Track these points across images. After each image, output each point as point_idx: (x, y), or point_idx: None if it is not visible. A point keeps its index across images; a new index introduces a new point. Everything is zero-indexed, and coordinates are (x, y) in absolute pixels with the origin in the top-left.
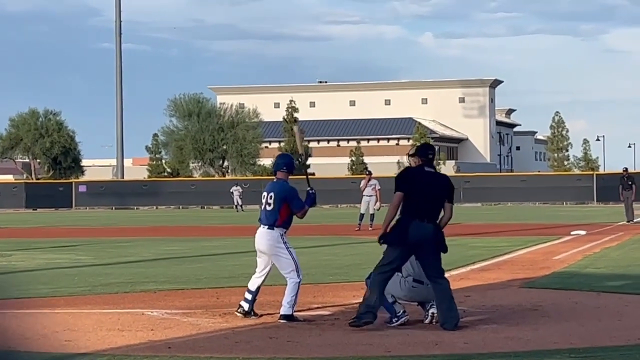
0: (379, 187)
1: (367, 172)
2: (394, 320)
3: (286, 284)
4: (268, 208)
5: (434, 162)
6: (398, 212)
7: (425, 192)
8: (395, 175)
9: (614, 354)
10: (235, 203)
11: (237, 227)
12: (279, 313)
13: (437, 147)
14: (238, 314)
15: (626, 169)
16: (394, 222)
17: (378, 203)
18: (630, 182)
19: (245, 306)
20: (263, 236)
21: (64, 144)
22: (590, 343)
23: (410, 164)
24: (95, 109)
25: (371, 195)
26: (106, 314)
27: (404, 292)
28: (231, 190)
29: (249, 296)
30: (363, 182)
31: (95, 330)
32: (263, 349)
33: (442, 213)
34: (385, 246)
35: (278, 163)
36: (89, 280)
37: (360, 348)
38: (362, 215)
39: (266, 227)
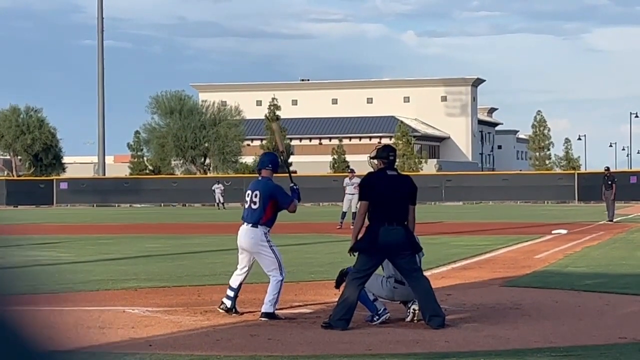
0: None
1: (350, 170)
2: (375, 318)
3: (268, 282)
4: (253, 206)
5: (396, 163)
6: (366, 219)
7: (390, 196)
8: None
9: (594, 352)
10: (217, 201)
11: (218, 225)
12: (260, 311)
13: (419, 146)
14: (220, 311)
15: (608, 168)
16: (363, 229)
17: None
18: (610, 182)
19: (228, 303)
20: (246, 234)
21: (45, 141)
22: (571, 342)
23: (372, 167)
24: (76, 106)
25: (353, 194)
26: (87, 311)
27: (385, 292)
28: (213, 188)
29: (230, 293)
30: (346, 180)
31: (76, 328)
32: (244, 346)
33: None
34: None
35: (263, 161)
36: (70, 277)
37: (342, 346)
38: (344, 214)
39: (250, 224)
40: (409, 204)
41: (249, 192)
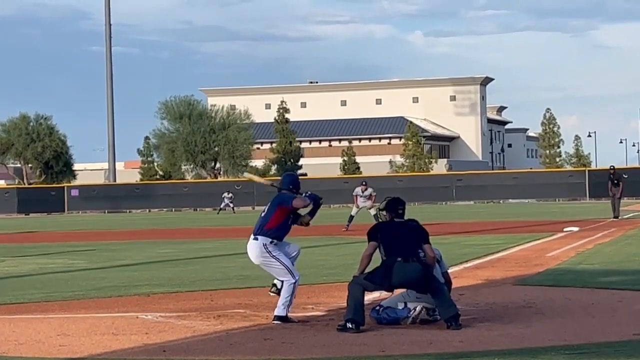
0: (375, 194)
1: (363, 183)
2: (409, 315)
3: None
4: (262, 215)
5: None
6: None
7: (399, 236)
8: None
9: (608, 350)
10: (222, 206)
11: (230, 229)
12: (273, 314)
13: (429, 146)
14: (272, 294)
15: (613, 167)
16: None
17: (373, 210)
18: (617, 180)
19: (279, 284)
20: (250, 248)
21: (56, 149)
22: (584, 339)
23: (381, 218)
24: (86, 113)
25: (365, 203)
26: (100, 318)
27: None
28: (223, 197)
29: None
30: (358, 190)
31: (90, 334)
32: (257, 350)
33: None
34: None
35: (284, 182)
36: (83, 284)
37: (355, 348)
38: (352, 217)
39: (252, 236)
40: (420, 242)
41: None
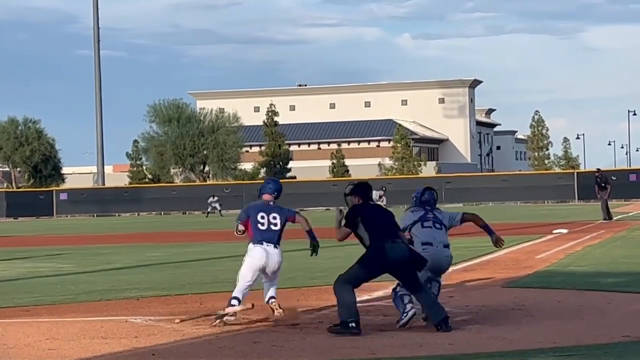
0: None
1: (382, 188)
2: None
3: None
4: (274, 228)
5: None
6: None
7: (378, 217)
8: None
9: (597, 352)
10: (209, 209)
11: (219, 233)
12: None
13: (418, 148)
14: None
15: (599, 169)
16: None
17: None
18: (604, 183)
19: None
20: (275, 255)
21: (44, 152)
22: (574, 341)
23: (347, 203)
24: (74, 117)
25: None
26: (89, 321)
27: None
28: (209, 202)
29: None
30: (377, 195)
31: (79, 338)
32: (247, 353)
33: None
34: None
35: (275, 188)
36: (72, 288)
37: (345, 351)
38: None
39: (272, 245)
40: (397, 227)
41: (263, 214)
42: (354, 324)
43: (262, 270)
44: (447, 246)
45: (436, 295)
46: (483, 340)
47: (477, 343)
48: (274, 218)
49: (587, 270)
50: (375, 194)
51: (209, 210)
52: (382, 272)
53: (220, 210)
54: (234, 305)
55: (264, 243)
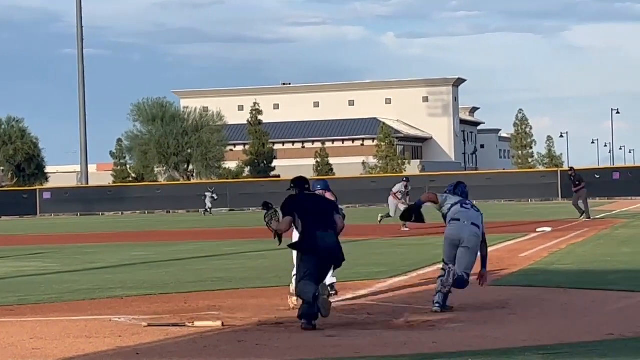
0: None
1: (405, 179)
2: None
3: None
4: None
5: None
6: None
7: (313, 206)
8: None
9: (581, 350)
10: (206, 207)
11: (203, 231)
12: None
13: (402, 147)
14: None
15: (571, 168)
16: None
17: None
18: (577, 182)
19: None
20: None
21: (28, 151)
22: (558, 340)
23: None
24: (58, 115)
25: (401, 200)
26: (73, 321)
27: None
28: (205, 194)
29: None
30: (399, 187)
31: (63, 337)
32: (231, 352)
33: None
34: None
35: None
36: (56, 287)
37: (329, 350)
38: (403, 214)
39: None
40: (332, 214)
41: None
42: (305, 321)
43: None
44: (476, 226)
45: (448, 286)
46: (467, 338)
47: (461, 342)
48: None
49: (571, 269)
50: (399, 186)
51: (207, 207)
52: (317, 260)
53: (210, 209)
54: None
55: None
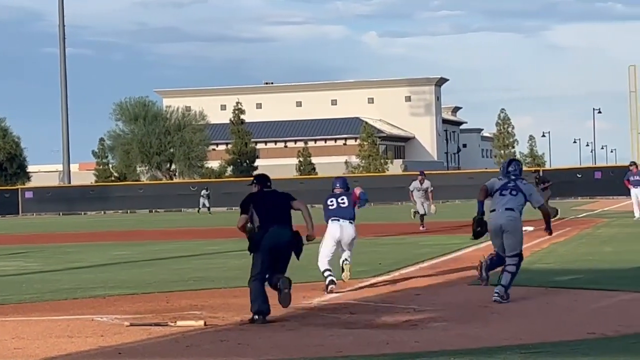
0: (432, 189)
1: (420, 173)
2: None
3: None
4: (343, 205)
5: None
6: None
7: (270, 203)
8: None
9: (563, 348)
10: (200, 206)
11: (186, 230)
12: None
13: (384, 147)
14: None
15: (537, 171)
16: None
17: (433, 206)
18: (543, 183)
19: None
20: (349, 229)
21: (9, 150)
22: (540, 338)
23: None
24: (40, 115)
25: (423, 197)
26: (55, 320)
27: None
28: (201, 194)
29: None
30: (415, 184)
31: (45, 337)
32: (213, 352)
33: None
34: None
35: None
36: (38, 287)
37: (312, 349)
38: (422, 216)
39: (347, 221)
40: (290, 206)
41: (333, 199)
42: (257, 316)
43: (338, 242)
44: (510, 209)
45: (506, 286)
46: (449, 337)
47: (443, 340)
48: (342, 199)
49: (553, 268)
50: (415, 184)
51: (207, 206)
52: (271, 253)
53: (199, 208)
54: (327, 277)
55: (339, 219)
